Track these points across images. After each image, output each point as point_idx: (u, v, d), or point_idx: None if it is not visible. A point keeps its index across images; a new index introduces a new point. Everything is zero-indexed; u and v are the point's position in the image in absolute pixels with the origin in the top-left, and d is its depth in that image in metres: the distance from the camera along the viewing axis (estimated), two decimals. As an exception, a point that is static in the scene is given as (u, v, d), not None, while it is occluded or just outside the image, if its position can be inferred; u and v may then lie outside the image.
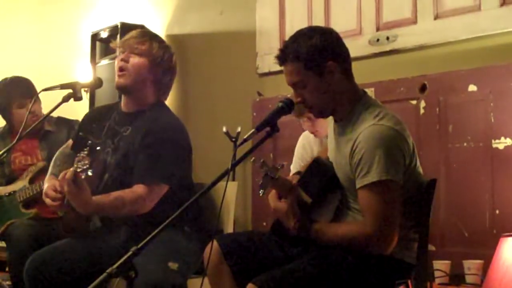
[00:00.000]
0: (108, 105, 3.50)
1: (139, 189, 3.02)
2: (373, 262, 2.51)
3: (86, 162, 2.82)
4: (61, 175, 2.90)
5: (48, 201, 3.09)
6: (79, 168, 2.82)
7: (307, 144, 3.83)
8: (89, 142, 2.95)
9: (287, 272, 2.49)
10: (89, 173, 2.83)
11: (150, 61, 3.18)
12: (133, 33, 3.25)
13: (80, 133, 3.28)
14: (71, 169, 2.85)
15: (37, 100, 4.11)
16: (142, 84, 3.20)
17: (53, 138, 4.12)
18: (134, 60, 3.17)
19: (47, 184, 3.18)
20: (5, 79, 4.28)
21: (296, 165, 3.82)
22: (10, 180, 4.16)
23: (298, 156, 3.86)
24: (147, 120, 3.17)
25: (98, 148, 2.97)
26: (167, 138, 3.11)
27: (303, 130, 3.86)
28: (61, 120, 4.26)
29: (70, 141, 3.43)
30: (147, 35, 3.25)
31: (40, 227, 3.83)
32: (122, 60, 3.18)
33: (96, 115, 3.42)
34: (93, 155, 2.88)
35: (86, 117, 3.47)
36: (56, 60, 6.60)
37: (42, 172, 3.98)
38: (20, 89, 4.15)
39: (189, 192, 3.11)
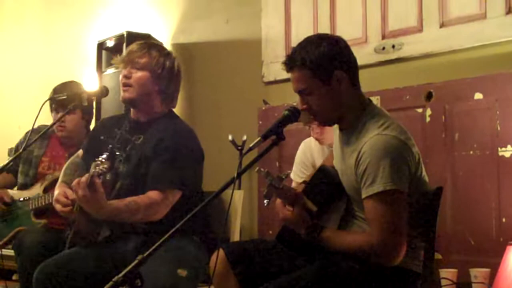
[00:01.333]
0: (119, 114, 3.51)
1: (153, 195, 3.03)
2: (379, 271, 2.50)
3: (106, 166, 2.84)
4: (75, 181, 2.91)
5: (58, 206, 3.11)
6: (98, 171, 2.83)
7: (307, 150, 3.82)
8: (110, 146, 2.96)
9: (293, 280, 2.49)
10: (107, 177, 2.85)
11: (152, 73, 3.19)
12: (132, 47, 3.26)
13: (102, 137, 3.29)
14: (88, 174, 2.86)
15: (74, 111, 4.06)
16: (148, 97, 3.21)
17: None
18: (137, 75, 3.18)
19: (58, 190, 3.20)
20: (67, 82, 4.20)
21: (296, 170, 3.81)
22: (31, 183, 4.16)
23: (298, 161, 3.84)
24: (159, 128, 3.19)
25: (117, 153, 2.98)
26: (180, 145, 3.13)
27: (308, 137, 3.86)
28: None
29: (81, 151, 3.44)
30: (145, 47, 3.24)
31: (51, 236, 3.83)
32: (124, 76, 3.19)
33: (107, 124, 3.43)
34: (113, 159, 2.89)
35: (99, 125, 3.48)
36: (62, 68, 6.62)
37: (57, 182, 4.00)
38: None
39: (199, 199, 3.12)
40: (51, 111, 4.12)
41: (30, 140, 3.46)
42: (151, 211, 3.02)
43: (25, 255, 3.72)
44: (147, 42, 3.36)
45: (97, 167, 2.83)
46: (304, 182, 2.87)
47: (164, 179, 3.06)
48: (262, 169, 2.62)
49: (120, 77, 3.23)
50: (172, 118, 3.30)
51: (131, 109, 3.33)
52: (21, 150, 3.19)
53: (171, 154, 3.09)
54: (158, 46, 3.31)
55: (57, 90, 4.08)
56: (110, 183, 3.06)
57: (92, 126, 4.24)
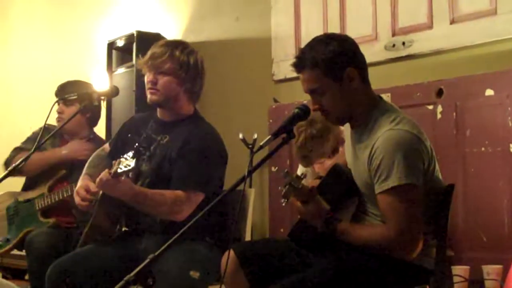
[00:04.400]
0: (145, 114, 3.50)
1: (179, 193, 3.05)
2: (391, 268, 2.50)
3: (131, 164, 2.83)
4: (103, 173, 2.92)
5: (77, 199, 3.12)
6: (121, 168, 2.83)
7: None
8: (136, 145, 2.96)
9: (304, 279, 2.49)
10: (130, 176, 2.85)
11: (177, 76, 3.19)
12: (154, 50, 3.21)
13: (129, 135, 3.31)
14: (110, 169, 2.88)
15: (70, 104, 4.02)
16: (175, 98, 3.22)
17: None
18: (162, 80, 3.18)
19: (80, 183, 3.22)
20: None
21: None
22: (34, 183, 4.14)
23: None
24: (185, 129, 3.19)
25: (142, 152, 2.98)
26: (206, 147, 3.15)
27: None
28: (96, 139, 4.21)
29: (107, 146, 3.45)
30: (168, 49, 3.20)
31: (59, 235, 3.84)
32: (150, 81, 3.19)
33: (135, 122, 3.43)
34: (138, 158, 2.89)
35: (128, 122, 3.48)
36: (72, 68, 6.63)
37: (62, 180, 4.00)
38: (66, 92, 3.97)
39: (220, 202, 3.12)
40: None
41: (41, 140, 3.45)
42: (176, 208, 3.02)
43: (35, 255, 3.73)
44: (168, 42, 3.32)
45: (122, 165, 2.83)
46: (319, 177, 2.86)
47: (189, 181, 3.07)
48: (281, 169, 2.61)
49: (146, 80, 3.22)
50: (197, 119, 3.31)
51: (158, 109, 3.33)
52: (32, 150, 3.19)
53: (197, 156, 3.10)
54: (180, 45, 3.27)
55: (64, 88, 4.07)
56: (132, 181, 3.06)
57: (99, 125, 4.26)
